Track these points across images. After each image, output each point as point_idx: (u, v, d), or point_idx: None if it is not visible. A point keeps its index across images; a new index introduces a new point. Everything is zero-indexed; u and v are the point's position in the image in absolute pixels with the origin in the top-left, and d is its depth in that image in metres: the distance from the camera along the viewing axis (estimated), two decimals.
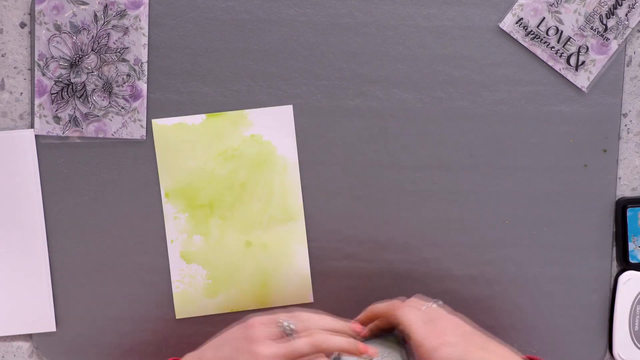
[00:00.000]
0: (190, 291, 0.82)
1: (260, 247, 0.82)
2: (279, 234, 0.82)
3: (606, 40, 0.82)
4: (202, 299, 0.82)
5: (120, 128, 0.83)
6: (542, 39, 0.83)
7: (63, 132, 0.83)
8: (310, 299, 0.83)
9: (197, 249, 0.82)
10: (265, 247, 0.82)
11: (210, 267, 0.82)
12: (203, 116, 0.81)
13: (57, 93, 0.82)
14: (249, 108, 0.83)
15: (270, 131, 0.82)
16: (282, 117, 0.82)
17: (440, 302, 0.73)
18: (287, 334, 0.68)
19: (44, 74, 0.82)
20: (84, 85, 0.82)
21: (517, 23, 0.82)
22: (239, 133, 0.82)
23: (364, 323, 0.75)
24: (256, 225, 0.82)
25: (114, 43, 0.82)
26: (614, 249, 0.86)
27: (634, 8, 0.82)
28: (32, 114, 0.83)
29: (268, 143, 0.82)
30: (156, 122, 0.81)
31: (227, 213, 0.82)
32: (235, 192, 0.82)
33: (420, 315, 0.70)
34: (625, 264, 0.85)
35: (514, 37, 0.83)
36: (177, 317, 0.82)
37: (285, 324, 0.69)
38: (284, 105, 0.82)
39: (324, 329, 0.70)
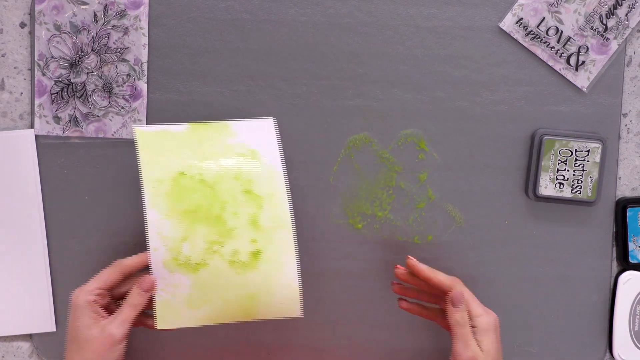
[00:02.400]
0: (173, 301, 0.76)
1: (249, 256, 0.77)
2: (268, 244, 0.77)
3: (606, 40, 0.82)
4: (185, 310, 0.76)
5: (120, 128, 0.83)
6: (542, 39, 0.83)
7: (63, 132, 0.83)
8: (299, 314, 0.77)
9: (181, 258, 0.76)
10: (253, 257, 0.77)
11: (195, 277, 0.76)
12: (187, 125, 0.79)
13: (57, 93, 0.82)
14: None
15: (254, 140, 0.79)
16: (263, 131, 0.80)
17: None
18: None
19: (44, 74, 0.82)
20: (84, 85, 0.82)
21: (517, 23, 0.82)
22: (223, 141, 0.79)
23: (402, 276, 0.80)
24: (243, 235, 0.77)
25: (114, 43, 0.82)
26: (614, 249, 0.86)
27: (634, 8, 0.82)
28: (32, 114, 0.83)
29: (253, 151, 0.79)
30: (138, 129, 0.78)
31: (214, 221, 0.77)
32: (222, 199, 0.77)
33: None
34: (625, 264, 0.85)
35: (514, 37, 0.83)
36: (158, 327, 0.75)
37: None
38: (265, 118, 0.80)
39: None
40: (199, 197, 0.77)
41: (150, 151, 0.77)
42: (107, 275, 0.74)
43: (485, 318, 0.74)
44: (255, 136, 0.79)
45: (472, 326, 0.74)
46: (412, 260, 0.78)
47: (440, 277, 0.76)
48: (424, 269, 0.77)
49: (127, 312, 0.72)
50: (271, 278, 0.77)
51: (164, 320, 0.75)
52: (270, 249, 0.77)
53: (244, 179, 0.78)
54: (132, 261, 0.74)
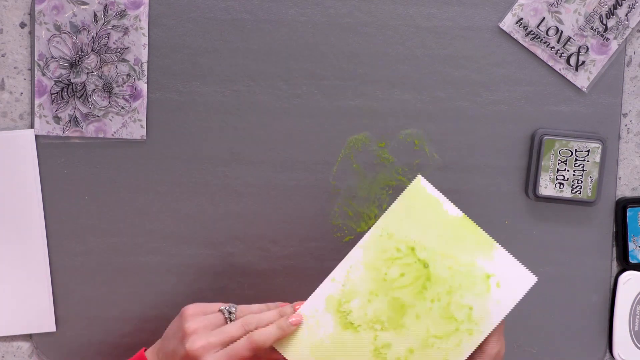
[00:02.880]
0: (305, 336, 0.73)
1: (395, 358, 0.72)
2: None
3: (606, 40, 0.82)
4: (306, 350, 0.73)
5: (120, 128, 0.83)
6: (542, 39, 0.83)
7: (63, 132, 0.83)
8: None
9: (343, 306, 0.73)
10: None
11: (340, 331, 0.73)
12: (461, 214, 0.74)
13: (57, 93, 0.82)
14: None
15: (499, 280, 0.73)
16: (521, 281, 0.73)
17: None
18: (226, 318, 0.72)
19: (44, 74, 0.82)
20: (84, 85, 0.82)
21: (517, 23, 0.83)
22: (474, 256, 0.73)
23: None
24: (409, 340, 0.73)
25: (114, 43, 0.82)
26: (614, 249, 0.86)
27: (634, 8, 0.82)
28: (32, 114, 0.83)
29: (488, 286, 0.73)
30: (422, 178, 0.74)
31: (396, 305, 0.73)
32: (423, 296, 0.73)
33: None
34: (625, 264, 0.85)
35: (514, 37, 0.83)
36: (277, 347, 0.73)
37: (225, 308, 0.72)
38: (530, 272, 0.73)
39: (257, 311, 0.73)
40: (405, 277, 0.73)
41: (408, 208, 0.74)
42: (237, 351, 0.69)
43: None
44: (505, 277, 0.73)
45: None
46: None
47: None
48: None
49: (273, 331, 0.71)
50: None
51: (281, 344, 0.73)
52: None
53: (456, 300, 0.73)
54: (267, 338, 0.70)
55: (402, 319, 0.73)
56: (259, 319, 0.72)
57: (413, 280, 0.73)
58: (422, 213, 0.74)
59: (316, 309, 0.73)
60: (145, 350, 0.75)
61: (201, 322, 0.71)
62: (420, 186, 0.74)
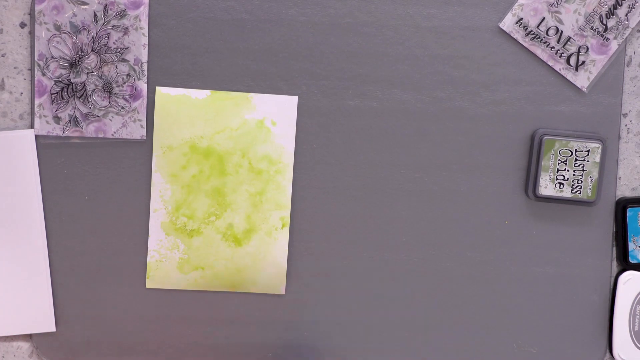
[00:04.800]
0: (165, 263, 0.82)
1: (242, 232, 0.82)
2: (263, 222, 0.82)
3: (606, 40, 0.82)
4: (175, 273, 0.82)
5: (120, 128, 0.83)
6: (542, 39, 0.83)
7: (63, 132, 0.83)
8: (282, 291, 0.83)
9: (178, 223, 0.82)
10: (246, 233, 0.82)
11: (188, 242, 0.82)
12: (207, 92, 0.81)
13: (57, 93, 0.82)
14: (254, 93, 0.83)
15: (271, 118, 0.82)
16: (285, 107, 0.82)
17: None
18: None
19: (44, 74, 0.82)
20: (84, 85, 0.82)
21: (517, 23, 0.83)
22: (241, 115, 0.82)
23: None
24: (242, 209, 0.82)
25: (114, 43, 0.82)
26: (614, 249, 0.86)
27: (634, 8, 0.82)
28: (32, 114, 0.83)
29: (268, 130, 0.82)
30: (160, 90, 0.81)
31: (214, 192, 0.82)
32: (226, 172, 0.82)
33: None
34: (625, 264, 0.85)
35: (514, 37, 0.83)
36: (148, 286, 0.83)
37: None
38: (290, 95, 0.82)
39: None
40: (204, 168, 0.81)
41: (165, 116, 0.81)
42: None
43: None
44: (274, 113, 0.81)
45: None
46: None
47: None
48: None
49: None
50: (261, 255, 0.82)
51: (154, 280, 0.82)
52: (264, 228, 0.82)
53: (252, 157, 0.81)
54: None
55: (226, 199, 0.81)
56: None
57: (212, 166, 0.81)
58: (178, 112, 0.81)
59: (160, 240, 0.82)
60: None
61: None
62: (163, 94, 0.81)
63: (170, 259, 0.82)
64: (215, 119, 0.82)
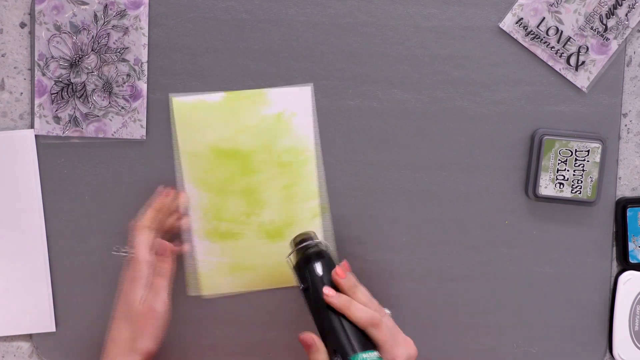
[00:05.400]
0: (207, 269, 0.82)
1: (278, 226, 0.82)
2: (297, 214, 0.82)
3: (606, 40, 0.82)
4: (218, 277, 0.82)
5: (120, 128, 0.83)
6: (542, 39, 0.83)
7: (63, 132, 0.83)
8: None
9: (212, 227, 0.82)
10: (282, 226, 0.82)
11: (225, 245, 0.82)
12: (222, 94, 0.81)
13: (57, 93, 0.82)
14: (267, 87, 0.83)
15: (289, 110, 0.82)
16: (301, 97, 0.82)
17: (390, 312, 0.72)
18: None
19: (44, 74, 0.82)
20: (84, 85, 0.82)
21: (517, 23, 0.83)
22: (258, 112, 0.81)
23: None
24: (274, 204, 0.82)
25: (114, 43, 0.82)
26: (614, 249, 0.86)
27: (634, 8, 0.82)
28: (32, 114, 0.83)
29: (287, 124, 0.82)
30: (175, 99, 0.81)
31: (245, 192, 0.81)
32: (254, 170, 0.81)
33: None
34: (625, 264, 0.85)
35: (514, 37, 0.83)
36: (191, 294, 0.83)
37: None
38: (304, 85, 0.82)
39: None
40: (233, 170, 0.81)
41: (185, 124, 0.81)
42: (144, 243, 0.77)
43: None
44: (290, 105, 0.81)
45: None
46: (327, 297, 0.69)
47: (354, 317, 0.68)
48: (338, 305, 0.69)
49: (159, 282, 0.75)
50: None
51: (207, 287, 0.83)
52: (298, 220, 0.82)
53: (276, 151, 0.82)
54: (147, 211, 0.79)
55: (257, 197, 0.81)
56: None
57: (239, 167, 0.81)
58: (196, 118, 0.81)
59: (202, 247, 0.82)
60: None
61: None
62: (179, 103, 0.80)
63: (210, 264, 0.82)
64: (234, 119, 0.81)
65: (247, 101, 0.81)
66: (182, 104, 0.81)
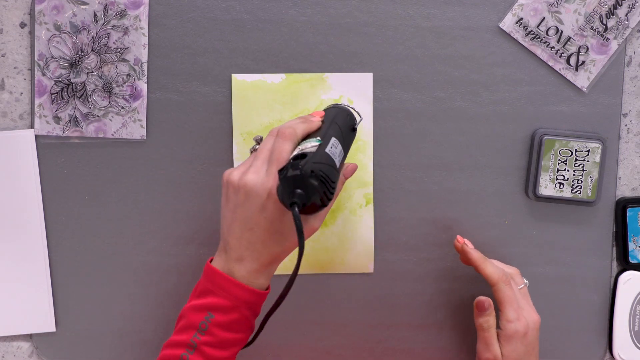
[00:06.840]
0: None
1: (329, 212, 0.81)
2: (347, 200, 0.82)
3: (606, 40, 0.82)
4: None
5: (120, 128, 0.83)
6: (542, 39, 0.83)
7: (63, 132, 0.83)
8: (371, 269, 0.84)
9: None
10: (332, 212, 0.82)
11: None
12: (282, 75, 0.81)
13: (57, 93, 0.82)
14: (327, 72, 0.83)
15: (347, 96, 0.82)
16: (361, 83, 0.82)
17: (527, 283, 0.80)
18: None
19: (44, 74, 0.82)
20: (84, 85, 0.82)
21: (517, 23, 0.82)
22: (317, 95, 0.81)
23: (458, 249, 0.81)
24: None
25: (114, 43, 0.82)
26: (614, 249, 0.86)
27: (634, 8, 0.82)
28: (32, 114, 0.83)
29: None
30: (235, 77, 0.81)
31: None
32: None
33: (516, 296, 0.77)
34: (625, 264, 0.85)
35: (514, 37, 0.83)
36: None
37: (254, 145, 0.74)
38: (365, 72, 0.82)
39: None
40: None
41: (243, 103, 0.81)
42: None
43: (514, 325, 0.75)
44: (350, 91, 0.81)
45: (501, 329, 0.76)
46: (462, 245, 0.80)
47: (487, 271, 0.77)
48: (475, 257, 0.78)
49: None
50: (348, 234, 0.82)
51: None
52: (348, 206, 0.82)
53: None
54: (291, 126, 0.68)
55: None
56: (287, 124, 0.69)
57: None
58: (255, 98, 0.81)
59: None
60: (211, 260, 0.70)
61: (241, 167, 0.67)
62: (239, 81, 0.80)
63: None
64: (293, 101, 0.82)
65: (306, 84, 0.82)
66: (242, 83, 0.81)
